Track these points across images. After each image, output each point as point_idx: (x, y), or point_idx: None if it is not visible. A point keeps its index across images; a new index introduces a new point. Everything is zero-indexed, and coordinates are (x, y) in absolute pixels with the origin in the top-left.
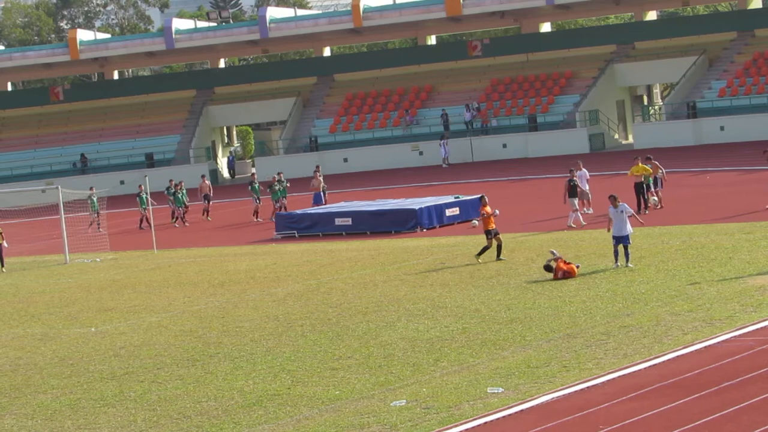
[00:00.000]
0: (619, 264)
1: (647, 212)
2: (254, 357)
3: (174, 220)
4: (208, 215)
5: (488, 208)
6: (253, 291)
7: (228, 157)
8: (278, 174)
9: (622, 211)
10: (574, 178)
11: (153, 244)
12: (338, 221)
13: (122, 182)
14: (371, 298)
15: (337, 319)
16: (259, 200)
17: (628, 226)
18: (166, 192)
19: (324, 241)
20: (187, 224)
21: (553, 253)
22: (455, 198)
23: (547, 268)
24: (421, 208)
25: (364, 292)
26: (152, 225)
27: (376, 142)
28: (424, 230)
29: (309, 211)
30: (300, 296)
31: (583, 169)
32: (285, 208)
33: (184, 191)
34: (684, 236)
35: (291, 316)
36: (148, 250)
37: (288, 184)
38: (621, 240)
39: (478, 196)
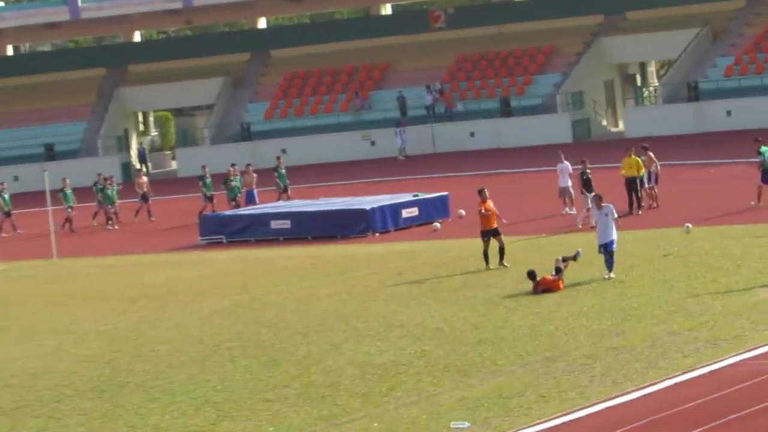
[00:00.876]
0: (611, 275)
1: (640, 212)
2: (173, 387)
3: (99, 220)
4: (150, 215)
5: (490, 204)
6: (173, 307)
7: (138, 149)
8: (233, 167)
9: (606, 214)
10: (587, 170)
11: (52, 252)
12: (274, 224)
13: (16, 178)
14: (313, 316)
15: (272, 341)
16: (211, 199)
17: (614, 230)
18: (93, 187)
19: (257, 247)
20: (116, 227)
21: (558, 262)
22: (414, 196)
23: (531, 275)
24: (373, 209)
25: (305, 308)
26: (52, 228)
27: (321, 131)
28: (377, 235)
29: (240, 212)
30: (229, 313)
31: (565, 162)
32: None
33: (116, 186)
34: (684, 240)
35: (218, 337)
36: (47, 259)
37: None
38: (606, 246)
39: (477, 189)
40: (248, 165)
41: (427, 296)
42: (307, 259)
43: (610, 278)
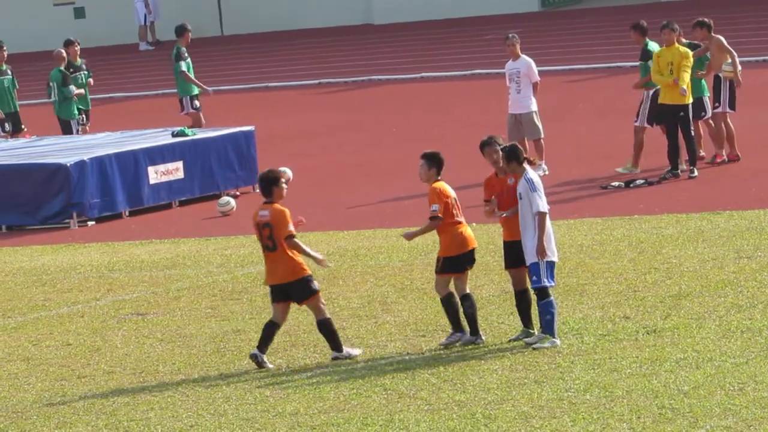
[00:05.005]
0: (544, 342)
1: (695, 173)
2: None
3: None
4: None
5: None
6: None
7: None
8: None
9: (521, 195)
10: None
11: None
12: None
13: None
14: None
15: None
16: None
17: (532, 236)
18: None
19: None
20: None
21: None
22: (176, 135)
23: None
24: (80, 164)
25: None
26: None
27: None
28: (90, 223)
29: None
30: None
31: (523, 58)
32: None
33: None
34: None
35: None
36: None
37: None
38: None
39: (482, 140)
40: None
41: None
42: None
43: (538, 347)
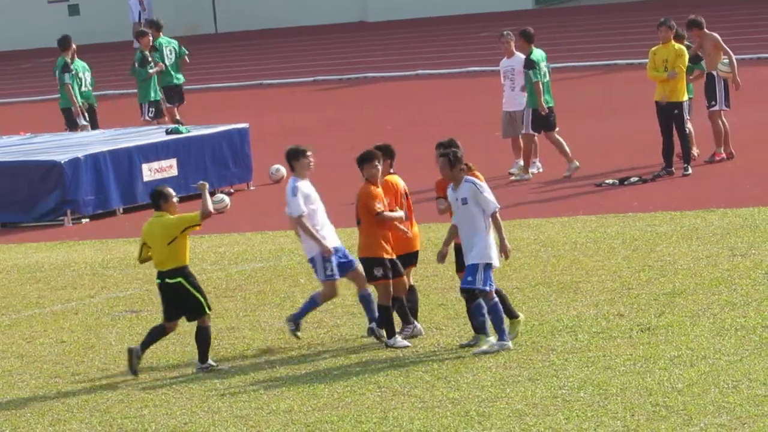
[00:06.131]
0: (477, 342)
1: (689, 170)
2: None
3: None
4: None
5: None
6: None
7: None
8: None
9: (464, 201)
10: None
11: None
12: None
13: None
14: None
15: None
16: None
17: (488, 242)
18: None
19: None
20: None
21: None
22: (170, 133)
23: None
24: (74, 161)
25: None
26: None
27: None
28: (85, 221)
29: None
30: None
31: (517, 55)
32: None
33: None
34: None
35: None
36: None
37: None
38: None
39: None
40: None
41: None
42: None
43: (501, 345)
